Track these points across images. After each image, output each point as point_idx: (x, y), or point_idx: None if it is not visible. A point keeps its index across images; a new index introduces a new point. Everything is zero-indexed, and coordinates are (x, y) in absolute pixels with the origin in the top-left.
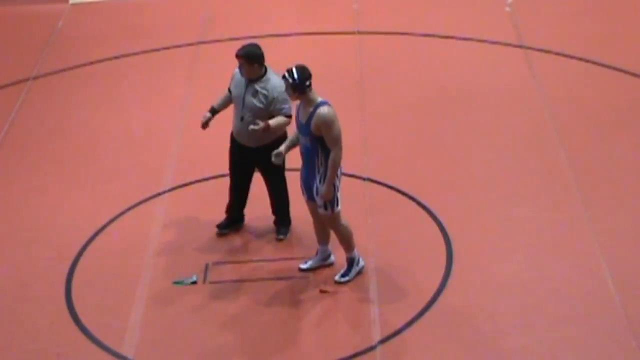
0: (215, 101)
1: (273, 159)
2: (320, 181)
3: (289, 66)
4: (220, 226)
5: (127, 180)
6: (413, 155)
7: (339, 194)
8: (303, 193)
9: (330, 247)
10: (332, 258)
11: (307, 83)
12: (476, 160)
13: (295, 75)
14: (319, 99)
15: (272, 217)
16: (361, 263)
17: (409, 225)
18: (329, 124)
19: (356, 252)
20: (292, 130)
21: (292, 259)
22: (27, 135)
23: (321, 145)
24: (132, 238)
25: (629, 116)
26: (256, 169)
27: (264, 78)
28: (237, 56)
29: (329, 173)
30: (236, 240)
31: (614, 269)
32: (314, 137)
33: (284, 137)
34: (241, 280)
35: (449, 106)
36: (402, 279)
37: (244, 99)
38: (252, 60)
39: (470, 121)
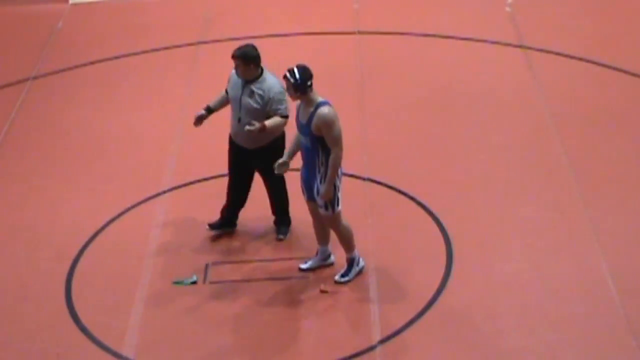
0: (212, 101)
1: (276, 170)
2: (320, 181)
3: (290, 66)
4: (212, 225)
5: (127, 180)
6: (413, 155)
7: (339, 194)
8: (303, 193)
9: (330, 247)
10: (332, 258)
11: (309, 83)
12: (476, 160)
13: (297, 75)
14: (320, 99)
15: (272, 217)
16: (361, 263)
17: (409, 225)
18: (329, 124)
19: (356, 252)
20: (292, 131)
21: (292, 259)
22: (27, 135)
23: (322, 145)
24: (132, 238)
25: (629, 116)
26: (255, 170)
27: (260, 79)
28: (233, 57)
29: (329, 173)
30: (236, 240)
31: (614, 269)
32: (315, 137)
33: (282, 137)
34: (241, 281)
35: (449, 106)
36: (402, 279)
37: (240, 100)
38: (248, 61)
39: (470, 121)
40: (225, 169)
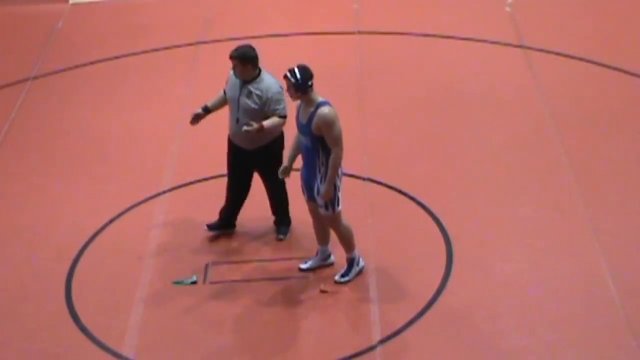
0: (210, 101)
1: (280, 175)
2: (321, 181)
3: (290, 66)
4: (210, 226)
5: (127, 180)
6: (413, 155)
7: (339, 194)
8: (303, 193)
9: (330, 247)
10: (332, 258)
11: (310, 83)
12: (476, 160)
13: (298, 75)
14: (320, 99)
15: (272, 217)
16: (361, 263)
17: (409, 225)
18: (329, 124)
19: (356, 252)
20: (291, 131)
21: (292, 259)
22: (27, 135)
23: (322, 145)
24: (132, 238)
25: (629, 116)
26: (254, 170)
27: (258, 79)
28: (231, 57)
29: (329, 173)
30: (236, 240)
31: (614, 269)
32: (315, 137)
33: (280, 138)
34: (241, 281)
35: (449, 106)
36: (402, 279)
37: (238, 100)
38: (245, 61)
39: (470, 121)
40: (225, 169)
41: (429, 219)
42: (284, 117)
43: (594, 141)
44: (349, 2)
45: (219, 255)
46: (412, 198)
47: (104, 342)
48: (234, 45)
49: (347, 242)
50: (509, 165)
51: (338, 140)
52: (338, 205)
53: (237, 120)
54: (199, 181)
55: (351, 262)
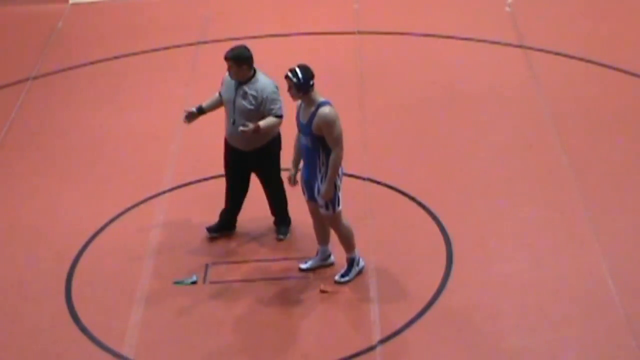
0: (205, 101)
1: (291, 184)
2: (321, 181)
3: (291, 66)
4: (210, 229)
5: (127, 181)
6: (413, 155)
7: (340, 194)
8: (304, 193)
9: (330, 247)
10: (332, 258)
11: (311, 83)
12: (476, 160)
13: (300, 75)
14: (321, 99)
15: (272, 217)
16: (361, 263)
17: (409, 225)
18: (330, 123)
19: (357, 252)
20: (290, 132)
21: (292, 259)
22: (27, 135)
23: (322, 145)
24: (132, 238)
25: (629, 116)
26: (252, 171)
27: (253, 79)
28: (226, 59)
29: (330, 173)
30: (236, 240)
31: (614, 269)
32: (315, 137)
33: (277, 139)
34: (241, 281)
35: (449, 106)
36: (402, 279)
37: (234, 101)
38: (240, 62)
39: (470, 121)
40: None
41: (429, 219)
42: (280, 116)
43: (594, 141)
44: (349, 2)
45: (219, 255)
46: (412, 198)
47: (104, 342)
48: (234, 45)
49: (347, 242)
50: (509, 165)
51: (338, 140)
52: (338, 205)
53: (234, 122)
54: (198, 181)
55: (351, 262)
